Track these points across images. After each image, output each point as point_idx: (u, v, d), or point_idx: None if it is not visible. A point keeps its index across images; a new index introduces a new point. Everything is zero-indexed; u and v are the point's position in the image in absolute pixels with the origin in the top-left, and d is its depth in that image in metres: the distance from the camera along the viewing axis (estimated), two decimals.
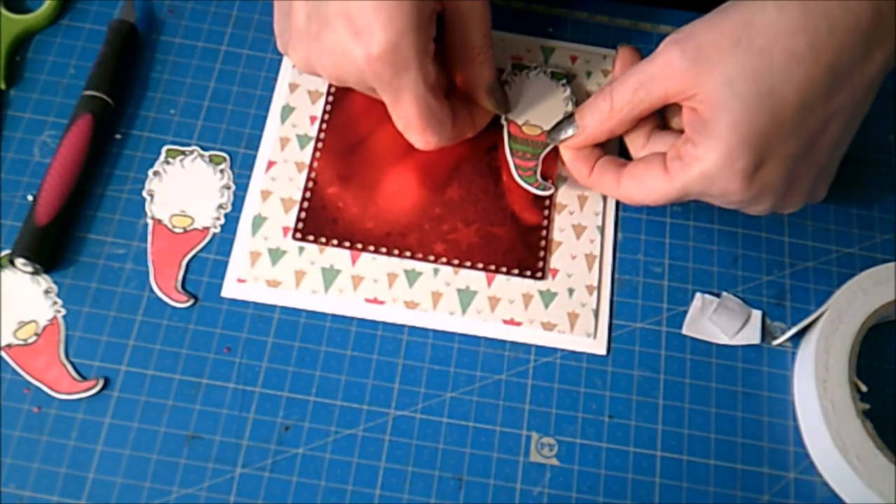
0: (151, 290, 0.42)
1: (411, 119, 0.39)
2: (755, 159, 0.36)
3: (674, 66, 0.37)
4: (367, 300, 0.42)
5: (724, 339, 0.43)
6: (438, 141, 0.41)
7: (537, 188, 0.44)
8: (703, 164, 0.36)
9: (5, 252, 0.42)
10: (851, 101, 0.36)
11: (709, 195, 0.38)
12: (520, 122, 0.46)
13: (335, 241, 0.43)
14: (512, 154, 0.45)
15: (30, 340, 0.41)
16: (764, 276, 0.45)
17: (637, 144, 0.41)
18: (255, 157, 0.45)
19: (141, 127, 0.46)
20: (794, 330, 0.42)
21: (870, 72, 0.36)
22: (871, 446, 0.39)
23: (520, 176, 0.45)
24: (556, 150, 0.45)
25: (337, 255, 0.43)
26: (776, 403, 0.42)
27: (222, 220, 0.44)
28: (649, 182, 0.39)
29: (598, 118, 0.40)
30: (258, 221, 0.43)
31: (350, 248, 0.43)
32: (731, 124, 0.35)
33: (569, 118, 0.42)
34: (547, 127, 0.46)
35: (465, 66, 0.42)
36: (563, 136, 0.42)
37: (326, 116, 0.46)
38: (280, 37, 0.41)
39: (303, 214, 0.43)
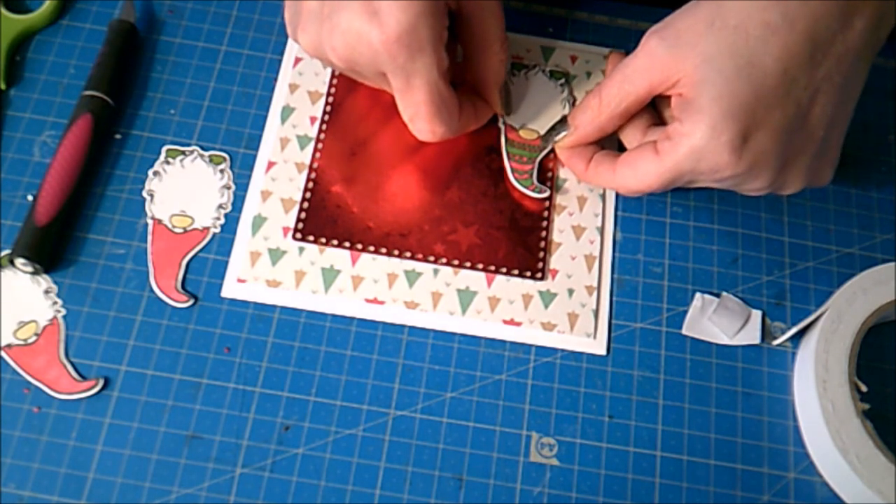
0: (151, 290, 0.42)
1: (420, 106, 0.39)
2: (741, 130, 0.36)
3: (654, 56, 0.38)
4: (367, 300, 0.42)
5: (724, 339, 0.43)
6: (445, 132, 0.41)
7: (533, 191, 0.44)
8: (690, 140, 0.37)
9: (5, 252, 0.42)
10: (838, 71, 0.37)
11: (700, 172, 0.38)
12: (517, 125, 0.46)
13: (335, 242, 0.43)
14: (508, 157, 0.45)
15: (30, 340, 0.41)
16: (764, 276, 0.45)
17: (633, 142, 0.41)
18: (255, 157, 0.45)
19: (141, 127, 0.46)
20: (794, 330, 0.42)
21: (852, 40, 0.36)
22: (871, 446, 0.39)
23: (516, 179, 0.45)
24: (554, 151, 0.45)
25: (337, 256, 0.43)
26: (776, 403, 0.42)
27: (222, 220, 0.44)
28: (642, 166, 0.39)
29: (588, 115, 0.41)
30: (258, 221, 0.43)
31: (350, 248, 0.43)
32: (713, 98, 0.36)
33: (562, 121, 0.43)
34: (543, 131, 0.46)
35: (482, 62, 0.42)
36: (556, 138, 0.43)
37: (326, 117, 0.46)
38: (290, 22, 0.41)
39: (303, 215, 0.43)
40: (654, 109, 0.41)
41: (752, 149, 0.36)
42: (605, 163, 0.42)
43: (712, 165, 0.37)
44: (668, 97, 0.39)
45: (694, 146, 0.37)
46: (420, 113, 0.40)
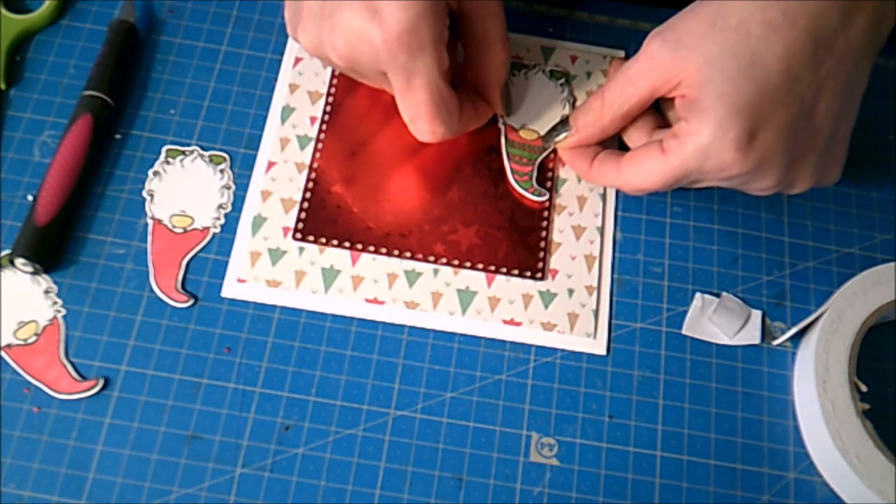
0: (151, 290, 0.42)
1: (421, 106, 0.39)
2: (747, 128, 0.36)
3: (657, 58, 0.38)
4: (367, 300, 0.42)
5: (724, 339, 0.43)
6: (445, 132, 0.41)
7: (533, 194, 0.44)
8: (697, 138, 0.37)
9: (5, 252, 0.42)
10: (841, 68, 0.37)
11: (707, 171, 0.38)
12: (517, 125, 0.46)
13: (335, 242, 0.43)
14: (508, 158, 0.45)
15: (30, 340, 0.41)
16: (764, 276, 0.45)
17: (637, 143, 0.41)
18: (255, 157, 0.45)
19: (141, 127, 0.46)
20: (794, 330, 0.42)
21: (854, 38, 0.37)
22: (871, 446, 0.39)
23: (516, 181, 0.45)
24: (555, 152, 0.45)
25: (337, 256, 0.43)
26: (776, 403, 0.42)
27: (222, 220, 0.44)
28: (648, 164, 0.39)
29: (591, 117, 0.41)
30: (258, 221, 0.43)
31: (350, 248, 0.43)
32: (717, 97, 0.36)
33: (563, 122, 0.43)
34: (543, 131, 0.46)
35: (483, 62, 0.42)
36: (557, 139, 0.43)
37: (326, 117, 0.46)
38: (290, 21, 0.41)
39: (303, 215, 0.43)
40: (658, 111, 0.41)
41: (758, 147, 0.36)
42: (609, 161, 0.42)
43: (719, 164, 0.37)
44: (671, 99, 0.39)
45: (700, 144, 0.37)
46: (420, 113, 0.39)
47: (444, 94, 0.39)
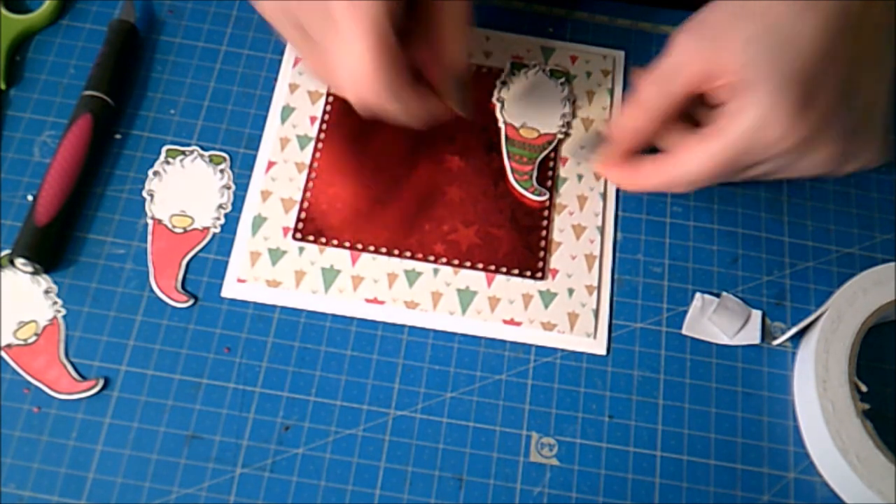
0: (151, 290, 0.42)
1: (364, 54, 0.34)
2: (802, 93, 0.36)
3: (690, 50, 0.38)
4: (367, 300, 0.42)
5: (724, 339, 0.43)
6: (387, 97, 0.36)
7: (533, 193, 0.44)
8: (755, 109, 0.36)
9: (5, 252, 0.42)
10: (870, 47, 0.37)
11: (765, 145, 0.37)
12: (517, 124, 0.46)
13: (335, 242, 0.43)
14: (508, 157, 0.45)
15: (30, 340, 0.41)
16: (764, 276, 0.45)
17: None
18: (255, 157, 0.45)
19: (141, 127, 0.46)
20: (794, 330, 0.42)
21: (877, 16, 0.37)
22: (871, 446, 0.39)
23: (516, 180, 0.45)
24: (555, 151, 0.45)
25: (337, 256, 0.43)
26: (776, 403, 0.42)
27: (222, 220, 0.44)
28: (697, 151, 0.38)
29: (626, 119, 0.40)
30: (258, 221, 0.43)
31: (350, 248, 0.43)
32: (766, 69, 0.36)
33: (592, 137, 0.42)
34: (544, 130, 0.46)
35: (438, 46, 0.39)
36: (593, 151, 0.42)
37: (326, 117, 0.46)
38: None
39: (303, 215, 0.43)
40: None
41: (816, 108, 0.36)
42: (651, 162, 0.40)
43: (776, 134, 0.36)
44: (702, 101, 0.39)
45: (757, 115, 0.36)
46: (364, 63, 0.35)
47: (392, 46, 0.35)
